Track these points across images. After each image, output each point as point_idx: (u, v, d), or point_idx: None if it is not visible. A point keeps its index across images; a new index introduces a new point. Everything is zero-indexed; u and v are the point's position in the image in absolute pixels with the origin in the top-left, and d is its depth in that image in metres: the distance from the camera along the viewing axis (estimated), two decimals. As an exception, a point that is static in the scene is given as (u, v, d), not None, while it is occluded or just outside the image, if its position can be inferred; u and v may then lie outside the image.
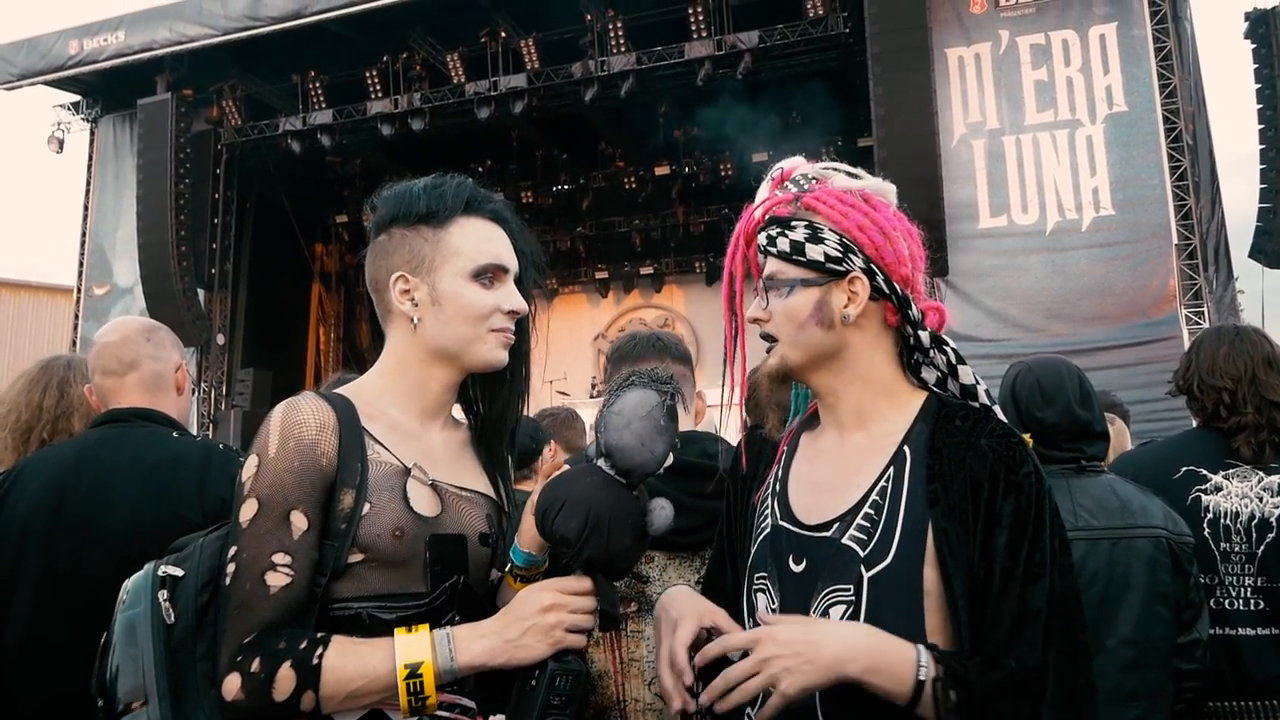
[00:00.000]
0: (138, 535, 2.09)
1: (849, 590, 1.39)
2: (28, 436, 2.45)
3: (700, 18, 11.30)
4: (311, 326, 16.48)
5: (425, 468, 1.48)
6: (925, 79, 9.93)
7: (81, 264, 14.58)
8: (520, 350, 1.60)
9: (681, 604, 1.48)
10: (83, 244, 14.60)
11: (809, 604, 1.42)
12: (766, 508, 1.56)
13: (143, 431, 2.26)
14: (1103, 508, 2.37)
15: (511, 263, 1.55)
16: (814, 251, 1.47)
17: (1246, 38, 9.89)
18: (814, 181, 1.52)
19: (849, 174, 1.54)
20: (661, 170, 14.47)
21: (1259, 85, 9.76)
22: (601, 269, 16.28)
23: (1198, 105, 10.25)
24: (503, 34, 12.08)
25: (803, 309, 1.48)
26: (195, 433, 13.08)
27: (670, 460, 1.39)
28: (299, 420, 1.41)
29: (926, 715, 1.29)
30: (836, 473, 1.49)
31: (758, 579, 1.51)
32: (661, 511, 1.39)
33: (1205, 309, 9.49)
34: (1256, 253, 10.11)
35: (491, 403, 1.63)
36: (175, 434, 2.30)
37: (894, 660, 1.30)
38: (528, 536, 1.46)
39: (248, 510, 1.38)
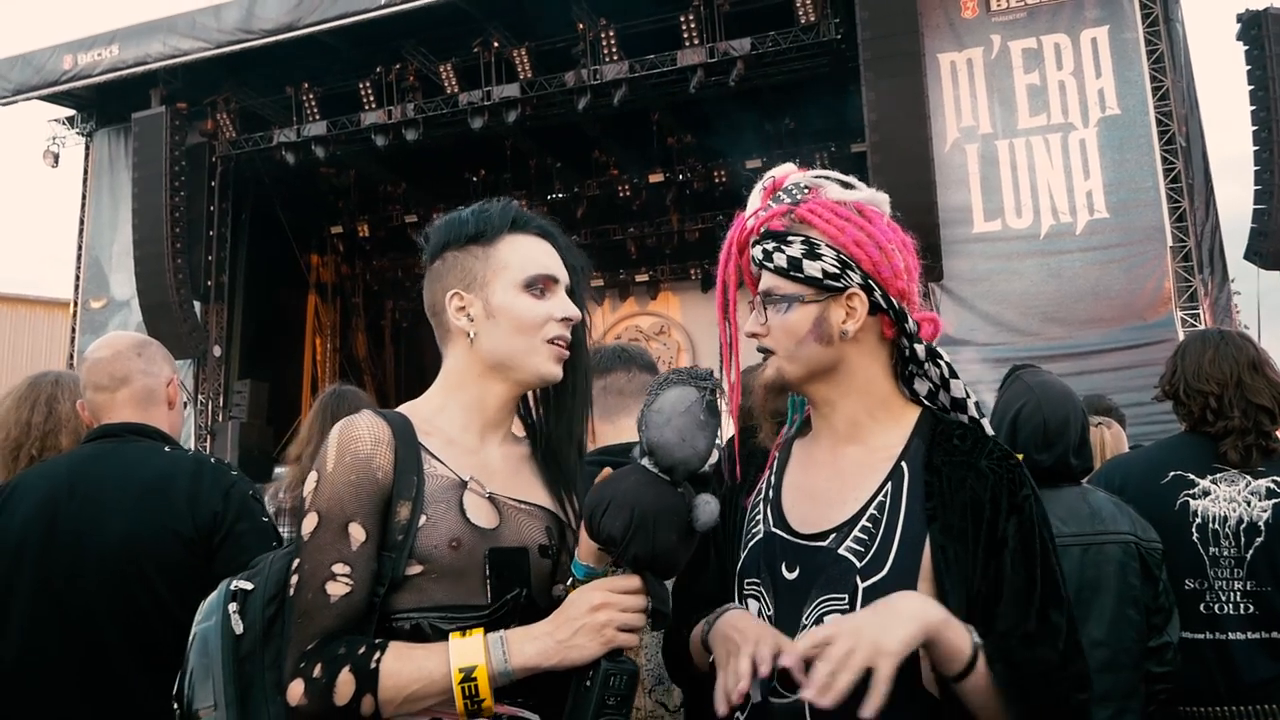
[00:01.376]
0: (131, 549, 2.11)
1: (844, 600, 1.39)
2: (17, 454, 2.46)
3: (692, 25, 11.29)
4: (308, 337, 16.46)
5: (482, 481, 1.49)
6: (917, 84, 9.91)
7: (78, 278, 14.58)
8: (579, 362, 1.61)
9: (752, 629, 1.40)
10: (79, 258, 14.59)
11: (801, 611, 1.42)
12: (758, 513, 1.56)
13: (135, 446, 2.27)
14: (1074, 515, 2.39)
15: (561, 274, 1.57)
16: (812, 268, 1.46)
17: (1239, 39, 9.86)
18: (807, 191, 1.51)
19: (842, 183, 1.53)
20: (655, 178, 14.43)
21: (1251, 86, 9.73)
22: (597, 277, 16.24)
23: (1190, 107, 10.24)
24: (495, 44, 12.08)
25: (801, 325, 1.48)
26: (193, 445, 12.96)
27: (715, 457, 1.39)
28: (355, 436, 1.45)
29: (973, 687, 1.31)
30: (832, 483, 1.50)
31: (749, 584, 1.51)
32: (706, 507, 1.39)
33: (1201, 311, 9.46)
34: (1252, 254, 10.07)
35: (558, 416, 1.63)
36: (167, 448, 2.30)
37: (955, 620, 1.32)
38: (586, 549, 1.46)
39: (309, 524, 1.42)
